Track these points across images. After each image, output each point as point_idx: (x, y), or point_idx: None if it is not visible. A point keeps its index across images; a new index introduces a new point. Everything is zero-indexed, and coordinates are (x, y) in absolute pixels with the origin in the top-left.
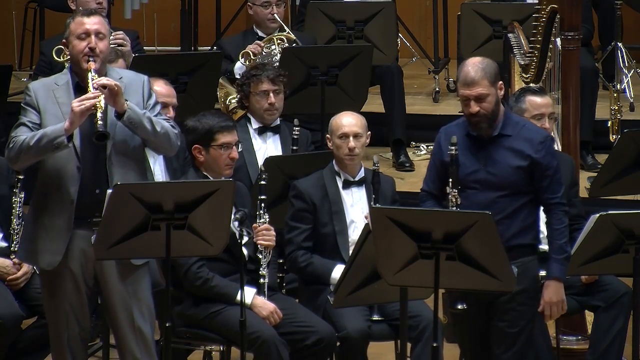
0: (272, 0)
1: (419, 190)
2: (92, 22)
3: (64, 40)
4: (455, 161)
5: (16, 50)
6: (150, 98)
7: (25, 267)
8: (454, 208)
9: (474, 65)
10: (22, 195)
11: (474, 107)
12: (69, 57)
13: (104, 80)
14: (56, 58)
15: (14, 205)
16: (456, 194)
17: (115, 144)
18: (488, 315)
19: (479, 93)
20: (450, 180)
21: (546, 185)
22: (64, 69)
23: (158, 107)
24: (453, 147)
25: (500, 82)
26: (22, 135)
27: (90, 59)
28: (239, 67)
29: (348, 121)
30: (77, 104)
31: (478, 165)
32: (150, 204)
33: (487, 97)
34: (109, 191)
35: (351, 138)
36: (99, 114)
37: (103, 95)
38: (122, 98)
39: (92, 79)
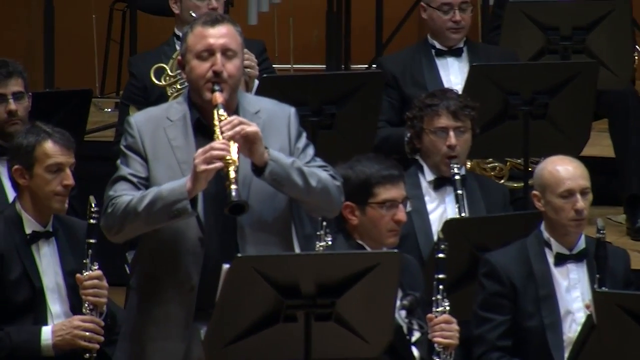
0: (454, 3)
1: None
2: (218, 35)
3: (179, 58)
4: None
5: (97, 68)
6: (299, 139)
7: None
8: None
9: None
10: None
11: None
12: (175, 80)
13: (235, 121)
14: (155, 81)
15: None
16: None
17: (248, 211)
18: None
19: None
20: None
21: None
22: (165, 96)
23: (310, 151)
24: None
25: None
26: (125, 194)
27: (216, 88)
28: None
29: (570, 172)
30: (201, 160)
31: None
32: (282, 284)
33: None
34: (225, 266)
35: (578, 196)
36: (231, 174)
37: (236, 145)
38: (261, 147)
39: (220, 120)
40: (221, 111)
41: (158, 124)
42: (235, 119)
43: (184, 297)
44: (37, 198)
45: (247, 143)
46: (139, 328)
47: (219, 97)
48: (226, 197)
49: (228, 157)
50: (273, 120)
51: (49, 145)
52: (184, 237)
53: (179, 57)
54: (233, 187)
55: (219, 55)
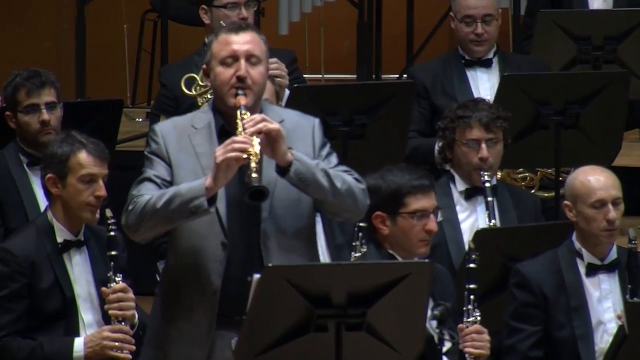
0: (477, 15)
1: None
2: (242, 41)
3: (204, 67)
4: None
5: (128, 78)
6: (323, 147)
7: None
8: None
9: None
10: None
11: None
12: (206, 89)
13: (257, 118)
14: (185, 91)
15: None
16: None
17: (272, 216)
18: None
19: None
20: None
21: None
22: (196, 106)
23: (334, 159)
24: None
25: None
26: (147, 194)
27: (240, 93)
28: None
29: (601, 182)
30: (222, 152)
31: None
32: (313, 294)
33: None
34: (256, 276)
35: (610, 206)
36: (252, 164)
37: (258, 140)
38: (284, 145)
39: (242, 119)
40: (244, 111)
41: (183, 132)
42: (258, 116)
43: (207, 301)
44: (68, 207)
45: (270, 141)
46: (162, 334)
47: (242, 99)
48: (246, 185)
49: (250, 149)
50: (297, 130)
51: (83, 156)
52: (206, 242)
53: (204, 66)
54: (254, 175)
55: (243, 61)
